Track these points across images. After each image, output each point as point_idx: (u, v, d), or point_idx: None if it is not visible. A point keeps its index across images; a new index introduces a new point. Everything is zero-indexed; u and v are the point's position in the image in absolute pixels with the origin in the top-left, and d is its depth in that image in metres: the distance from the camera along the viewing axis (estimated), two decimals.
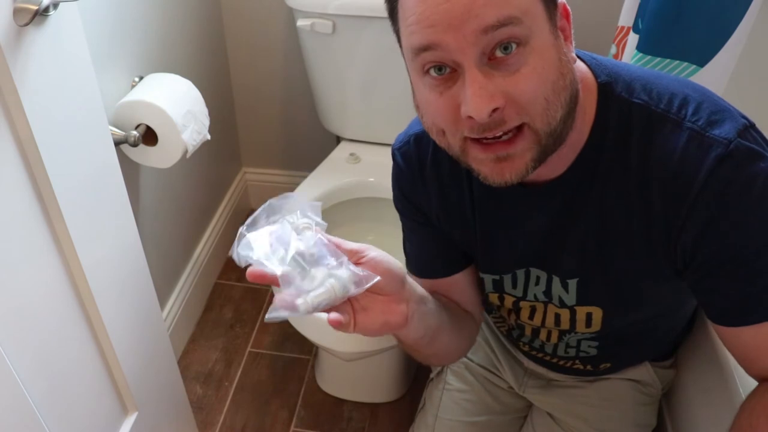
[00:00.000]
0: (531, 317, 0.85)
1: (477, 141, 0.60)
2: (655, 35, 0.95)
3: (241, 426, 1.40)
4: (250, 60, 1.67)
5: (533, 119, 0.59)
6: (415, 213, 0.83)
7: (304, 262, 0.59)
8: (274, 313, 0.57)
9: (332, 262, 0.59)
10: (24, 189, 0.73)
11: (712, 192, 0.61)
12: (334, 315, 0.59)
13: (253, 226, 0.62)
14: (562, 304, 0.80)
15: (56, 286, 0.81)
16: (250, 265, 0.59)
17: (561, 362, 0.93)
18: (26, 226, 0.74)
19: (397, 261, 0.64)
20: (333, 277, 0.58)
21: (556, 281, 0.77)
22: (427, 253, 0.85)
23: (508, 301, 0.85)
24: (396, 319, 0.64)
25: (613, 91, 0.66)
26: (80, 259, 0.82)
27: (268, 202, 0.63)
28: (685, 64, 0.96)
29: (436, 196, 0.79)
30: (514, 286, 0.82)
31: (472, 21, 0.54)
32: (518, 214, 0.75)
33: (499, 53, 0.56)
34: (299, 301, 0.57)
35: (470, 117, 0.57)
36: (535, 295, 0.81)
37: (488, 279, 0.83)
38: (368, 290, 0.60)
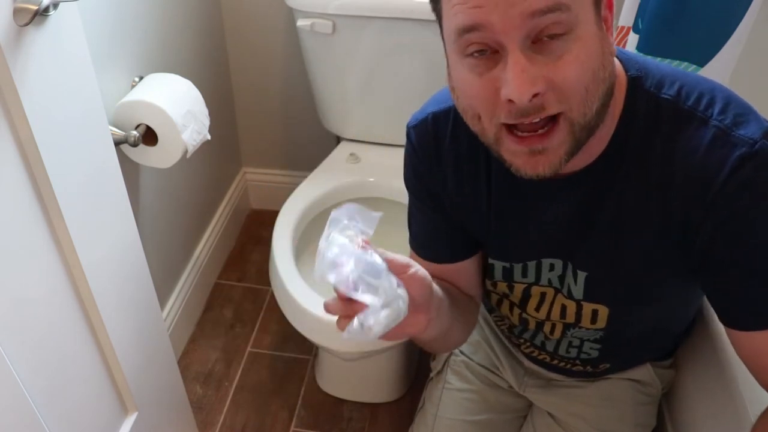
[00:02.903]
0: (538, 308, 0.84)
1: (511, 132, 0.60)
2: (655, 35, 0.95)
3: (241, 426, 1.40)
4: (250, 60, 1.67)
5: (571, 108, 0.58)
6: (425, 195, 0.82)
7: (371, 277, 0.56)
8: (350, 336, 0.56)
9: (393, 280, 0.57)
10: (24, 189, 0.72)
11: (733, 190, 0.61)
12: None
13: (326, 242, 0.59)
14: (570, 296, 0.79)
15: (56, 286, 0.81)
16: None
17: (561, 363, 0.93)
18: (26, 226, 0.74)
19: (427, 273, 0.63)
20: (400, 298, 0.57)
21: (570, 268, 0.77)
22: (434, 237, 0.84)
23: (518, 290, 0.84)
24: (414, 330, 0.64)
25: (642, 85, 0.66)
26: (80, 259, 0.82)
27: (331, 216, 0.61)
28: (685, 64, 0.96)
29: (452, 175, 0.77)
30: (524, 275, 0.81)
31: (521, 3, 0.53)
32: (536, 203, 0.74)
33: (544, 38, 0.56)
34: (372, 323, 0.55)
35: (510, 100, 0.56)
36: (549, 280, 0.80)
37: (498, 266, 0.82)
38: None
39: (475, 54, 0.58)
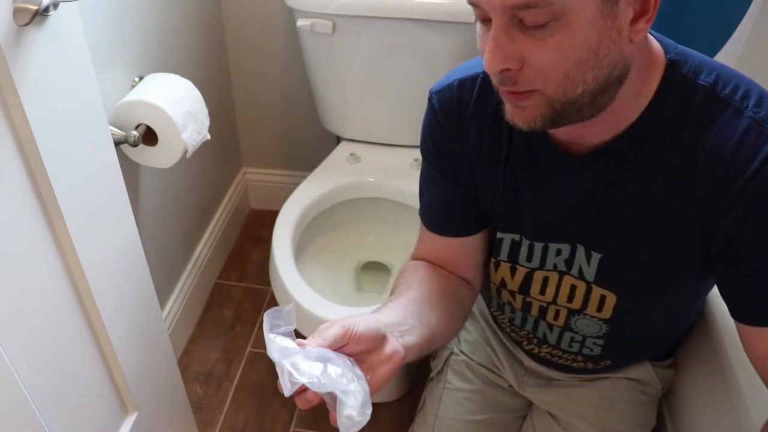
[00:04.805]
0: (542, 291, 0.84)
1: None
2: None
3: (241, 426, 1.40)
4: (250, 60, 1.67)
5: (547, 87, 0.60)
6: (440, 163, 0.82)
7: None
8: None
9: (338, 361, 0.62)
10: (24, 189, 0.72)
11: (763, 181, 0.62)
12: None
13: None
14: (581, 276, 0.79)
15: (56, 286, 0.81)
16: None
17: (562, 360, 0.93)
18: (26, 226, 0.74)
19: (366, 318, 0.66)
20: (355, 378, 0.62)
21: (581, 251, 0.77)
22: (444, 209, 0.85)
23: (519, 275, 0.84)
24: (397, 359, 0.66)
25: (680, 69, 0.66)
26: (80, 259, 0.82)
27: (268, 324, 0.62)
28: None
29: (474, 140, 0.78)
30: (529, 259, 0.81)
31: None
32: (554, 178, 0.75)
33: (529, 22, 0.57)
34: (356, 416, 0.61)
35: None
36: (554, 265, 0.80)
37: (507, 240, 0.82)
38: (362, 354, 0.64)
39: (479, 21, 0.62)
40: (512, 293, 0.88)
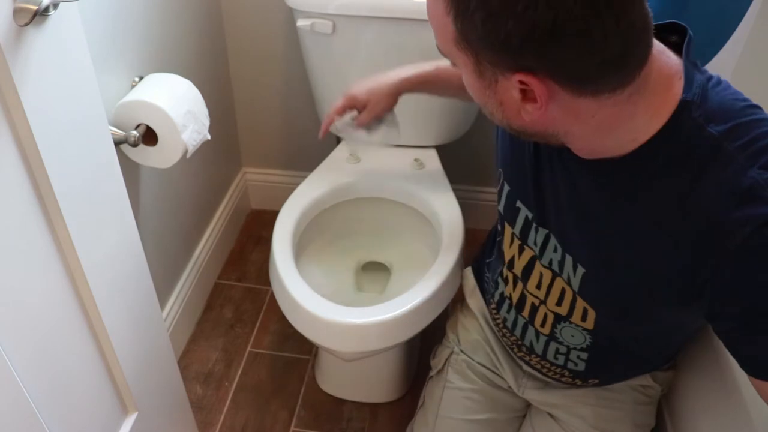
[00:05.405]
0: (538, 286, 0.85)
1: None
2: None
3: (241, 426, 1.40)
4: (250, 60, 1.67)
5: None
6: None
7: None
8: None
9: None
10: (24, 189, 0.72)
11: (756, 247, 0.59)
12: None
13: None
14: (569, 283, 0.80)
15: (56, 286, 0.81)
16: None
17: (551, 373, 0.93)
18: (26, 227, 0.74)
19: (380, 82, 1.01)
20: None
21: (569, 260, 0.78)
22: None
23: (525, 257, 0.85)
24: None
25: (689, 111, 0.62)
26: (80, 259, 0.82)
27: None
28: None
29: None
30: (534, 242, 0.83)
31: None
32: (561, 168, 0.75)
33: None
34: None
35: None
36: (550, 261, 0.81)
37: (522, 214, 0.83)
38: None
39: None
40: (515, 279, 0.88)
